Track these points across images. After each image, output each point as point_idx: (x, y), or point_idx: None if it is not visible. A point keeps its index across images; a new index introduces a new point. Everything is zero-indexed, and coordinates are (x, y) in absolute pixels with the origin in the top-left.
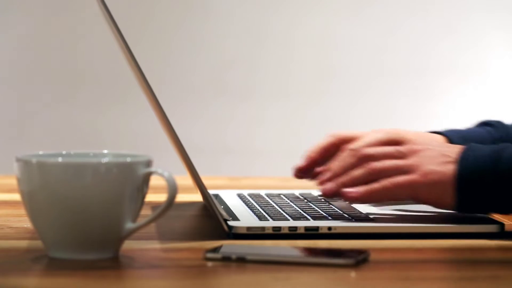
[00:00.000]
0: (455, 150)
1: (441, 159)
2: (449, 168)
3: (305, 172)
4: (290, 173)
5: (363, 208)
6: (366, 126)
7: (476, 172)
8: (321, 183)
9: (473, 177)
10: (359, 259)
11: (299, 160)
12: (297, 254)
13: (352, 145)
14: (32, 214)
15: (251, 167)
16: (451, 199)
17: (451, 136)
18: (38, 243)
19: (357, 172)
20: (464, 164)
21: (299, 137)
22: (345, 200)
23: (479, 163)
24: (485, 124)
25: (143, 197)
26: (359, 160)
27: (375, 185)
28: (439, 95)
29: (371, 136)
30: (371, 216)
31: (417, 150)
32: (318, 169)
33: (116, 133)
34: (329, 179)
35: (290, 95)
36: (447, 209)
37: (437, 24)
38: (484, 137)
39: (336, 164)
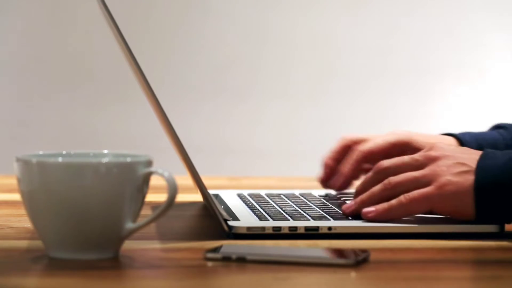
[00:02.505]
0: (472, 157)
1: (459, 169)
2: (467, 179)
3: (327, 181)
4: (290, 173)
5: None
6: (366, 126)
7: (493, 182)
8: (337, 188)
9: (491, 187)
10: (359, 259)
11: (319, 170)
12: (297, 254)
13: (361, 146)
14: (32, 214)
15: (251, 167)
16: (469, 210)
17: (464, 138)
18: (38, 243)
19: (376, 189)
20: (482, 174)
21: (299, 137)
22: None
23: (496, 173)
24: (499, 127)
25: (143, 197)
26: (376, 174)
27: (393, 203)
28: (439, 95)
29: (381, 138)
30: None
31: (434, 157)
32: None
33: (116, 133)
34: (340, 183)
35: (290, 95)
36: (466, 219)
37: (437, 25)
38: (497, 140)
39: (346, 166)
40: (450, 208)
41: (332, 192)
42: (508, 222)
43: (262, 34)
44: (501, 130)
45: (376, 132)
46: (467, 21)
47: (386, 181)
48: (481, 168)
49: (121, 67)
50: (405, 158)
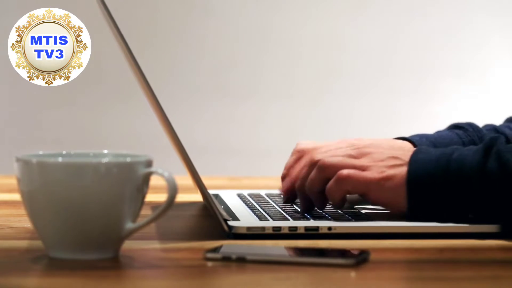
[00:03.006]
0: (406, 153)
1: (392, 162)
2: (400, 171)
3: (290, 197)
4: None
5: (363, 208)
6: (368, 127)
7: (425, 175)
8: (285, 193)
9: (423, 179)
10: (359, 259)
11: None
12: (297, 254)
13: (308, 154)
14: (32, 214)
15: (253, 167)
16: (402, 202)
17: (419, 142)
18: (38, 243)
19: (313, 174)
20: (414, 166)
21: (301, 137)
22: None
23: (428, 166)
24: (456, 127)
25: (143, 197)
26: (312, 165)
27: (330, 182)
28: (441, 96)
29: (329, 145)
30: (370, 216)
31: (367, 152)
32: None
33: (116, 133)
34: (286, 198)
35: (292, 96)
36: (399, 212)
37: (440, 25)
38: (454, 141)
39: (286, 183)
40: (385, 199)
41: None
42: (443, 218)
43: (264, 35)
44: (458, 131)
45: (378, 134)
46: (470, 22)
47: (320, 162)
48: (414, 161)
49: (121, 68)
50: (339, 151)
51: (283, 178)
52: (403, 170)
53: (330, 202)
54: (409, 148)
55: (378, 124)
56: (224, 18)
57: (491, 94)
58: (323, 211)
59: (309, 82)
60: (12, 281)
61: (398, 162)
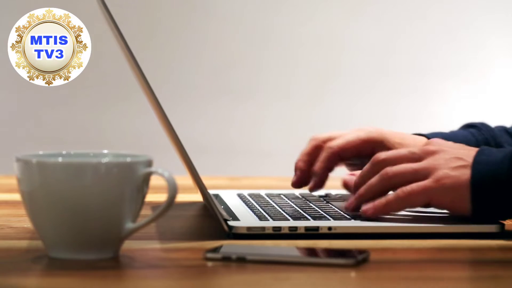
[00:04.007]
0: (469, 152)
1: (456, 163)
2: (464, 173)
3: (300, 184)
4: (292, 173)
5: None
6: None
7: (490, 177)
8: (310, 189)
9: (487, 182)
10: (359, 259)
11: (293, 174)
12: (297, 254)
13: (330, 143)
14: (32, 214)
15: (254, 167)
16: (466, 204)
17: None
18: (38, 243)
19: (373, 181)
20: (478, 168)
21: (301, 137)
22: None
23: (492, 168)
24: (469, 126)
25: (143, 197)
26: (373, 166)
27: (390, 197)
28: (441, 96)
29: (352, 134)
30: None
31: (431, 151)
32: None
33: (117, 133)
34: (315, 184)
35: (292, 96)
36: (463, 214)
37: (439, 26)
38: (468, 140)
39: (318, 165)
40: (447, 202)
41: (332, 192)
42: (505, 218)
43: (264, 35)
44: (472, 130)
45: None
46: (469, 22)
47: (383, 171)
48: (477, 162)
49: (122, 67)
50: (402, 151)
51: (299, 165)
52: (467, 171)
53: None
54: (470, 148)
55: (378, 124)
56: (224, 18)
57: (490, 94)
58: (323, 211)
59: (309, 82)
60: (12, 281)
61: (461, 163)
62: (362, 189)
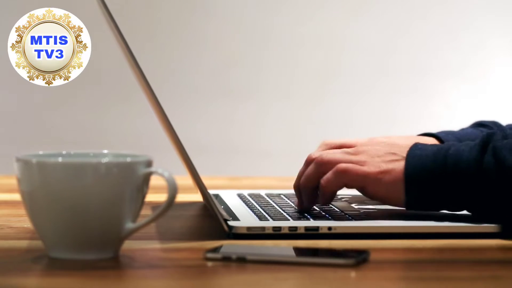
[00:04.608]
0: (403, 149)
1: (390, 157)
2: (398, 165)
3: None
4: (293, 173)
5: (363, 208)
6: (369, 127)
7: (422, 170)
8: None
9: (419, 174)
10: (359, 259)
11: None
12: (297, 254)
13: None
14: (32, 214)
15: (254, 167)
16: (400, 196)
17: (445, 138)
18: (38, 243)
19: (309, 169)
20: (411, 161)
21: (302, 137)
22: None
23: (424, 160)
24: (480, 125)
25: (143, 197)
26: (309, 163)
27: (328, 174)
28: (441, 96)
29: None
30: (371, 216)
31: (364, 150)
32: None
33: (117, 133)
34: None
35: (292, 96)
36: (397, 206)
37: (439, 26)
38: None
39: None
40: (382, 193)
41: None
42: (438, 210)
43: (265, 35)
44: (483, 129)
45: (378, 134)
46: (469, 22)
47: (317, 158)
48: (410, 156)
49: (122, 67)
50: (336, 150)
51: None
52: (401, 164)
53: (318, 199)
54: (407, 145)
55: (378, 124)
56: (225, 18)
57: (490, 94)
58: (323, 211)
59: (309, 82)
60: (12, 281)
61: (395, 157)
62: (301, 181)
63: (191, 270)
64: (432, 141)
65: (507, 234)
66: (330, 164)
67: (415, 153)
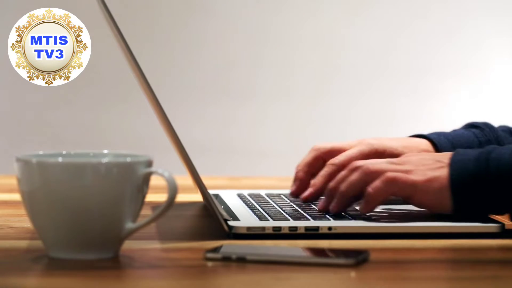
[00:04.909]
0: (446, 155)
1: (436, 165)
2: (444, 172)
3: (300, 193)
4: (293, 173)
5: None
6: (368, 127)
7: (467, 175)
8: (304, 198)
9: (465, 180)
10: (359, 259)
11: (293, 175)
12: (297, 254)
13: (333, 159)
14: (32, 214)
15: (254, 167)
16: (447, 202)
17: (437, 139)
18: (38, 243)
19: (354, 176)
20: (456, 167)
21: (302, 137)
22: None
23: (468, 165)
24: (472, 126)
25: (143, 197)
26: (352, 170)
27: (376, 182)
28: (440, 96)
29: (355, 149)
30: (371, 216)
31: (408, 160)
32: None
33: (117, 133)
34: (311, 194)
35: (292, 96)
36: (445, 213)
37: (438, 26)
38: (470, 140)
39: (318, 179)
40: (430, 201)
41: None
42: (487, 214)
43: (264, 35)
44: (475, 130)
45: (377, 133)
46: (469, 22)
47: (364, 167)
48: (454, 162)
49: (122, 67)
50: (381, 160)
51: (299, 176)
52: (446, 171)
53: (360, 205)
54: (446, 151)
55: (378, 124)
56: (224, 18)
57: (490, 94)
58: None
59: (309, 83)
60: (12, 281)
61: (440, 164)
62: (343, 187)
63: (191, 270)
64: (424, 142)
65: (507, 234)
66: (377, 174)
67: (458, 159)
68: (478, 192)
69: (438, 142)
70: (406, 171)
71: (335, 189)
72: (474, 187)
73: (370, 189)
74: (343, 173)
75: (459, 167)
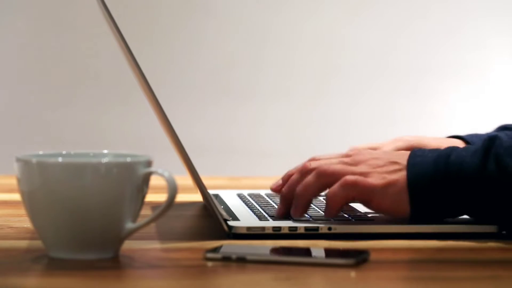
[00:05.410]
0: (403, 157)
1: (392, 167)
2: (401, 175)
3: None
4: None
5: (363, 208)
6: (369, 127)
7: (425, 178)
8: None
9: (423, 183)
10: (359, 259)
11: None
12: (297, 254)
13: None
14: (32, 214)
15: (254, 167)
16: (405, 206)
17: (472, 141)
18: (38, 243)
19: (309, 179)
20: (412, 170)
21: (302, 137)
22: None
23: (426, 169)
24: (505, 128)
25: (143, 197)
26: (306, 173)
27: (334, 187)
28: (440, 96)
29: (391, 146)
30: (371, 216)
31: (361, 159)
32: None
33: (116, 133)
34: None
35: (292, 96)
36: (402, 216)
37: (439, 25)
38: None
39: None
40: (387, 205)
41: None
42: (444, 218)
43: (264, 35)
44: (508, 132)
45: (377, 133)
46: (469, 22)
47: (318, 169)
48: (412, 165)
49: (122, 67)
50: (334, 160)
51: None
52: (403, 175)
53: (323, 210)
54: (402, 152)
55: (378, 124)
56: (224, 18)
57: (490, 94)
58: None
59: (309, 83)
60: (12, 281)
61: (397, 167)
62: (299, 189)
63: (191, 270)
64: (460, 143)
65: (506, 234)
66: (334, 176)
67: (416, 161)
68: (436, 196)
69: (472, 143)
70: (364, 174)
71: (290, 193)
72: (432, 191)
73: (329, 194)
74: (294, 177)
75: (417, 170)
